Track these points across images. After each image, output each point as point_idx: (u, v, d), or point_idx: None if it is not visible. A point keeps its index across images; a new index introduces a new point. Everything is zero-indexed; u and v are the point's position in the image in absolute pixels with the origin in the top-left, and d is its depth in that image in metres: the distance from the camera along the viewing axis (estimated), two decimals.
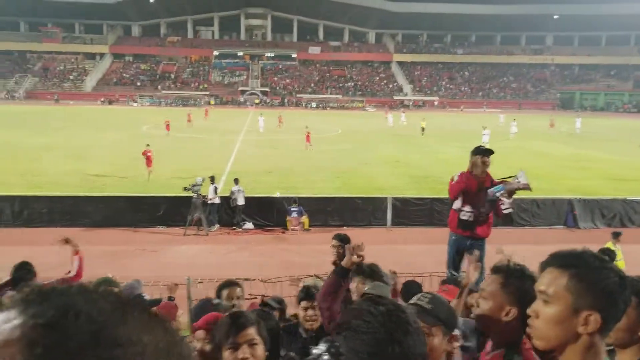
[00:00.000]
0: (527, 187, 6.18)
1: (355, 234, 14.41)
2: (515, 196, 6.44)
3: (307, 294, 3.96)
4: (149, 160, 21.05)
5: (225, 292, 4.33)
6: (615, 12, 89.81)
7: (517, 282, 2.25)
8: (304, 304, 3.93)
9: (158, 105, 76.26)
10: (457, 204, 6.65)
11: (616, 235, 10.05)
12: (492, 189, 6.35)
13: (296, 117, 55.99)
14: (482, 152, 6.51)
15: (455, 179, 6.64)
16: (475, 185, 6.52)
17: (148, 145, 21.85)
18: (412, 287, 5.10)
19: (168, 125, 37.45)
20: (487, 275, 3.70)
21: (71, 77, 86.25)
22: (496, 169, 6.82)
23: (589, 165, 26.99)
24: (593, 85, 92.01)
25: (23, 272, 5.12)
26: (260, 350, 2.51)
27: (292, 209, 15.37)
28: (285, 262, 12.23)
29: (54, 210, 15.09)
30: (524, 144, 34.50)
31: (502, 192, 6.29)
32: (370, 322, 1.46)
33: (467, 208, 6.56)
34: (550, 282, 1.60)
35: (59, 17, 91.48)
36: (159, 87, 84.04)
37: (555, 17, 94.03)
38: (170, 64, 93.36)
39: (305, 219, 15.37)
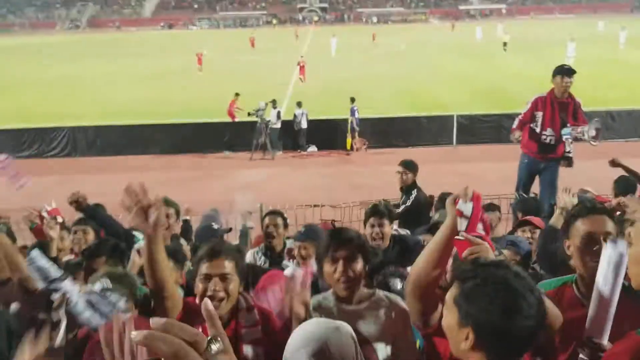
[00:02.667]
0: (591, 141, 5.86)
1: (421, 155, 14.30)
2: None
3: (374, 210, 3.93)
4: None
5: (266, 220, 4.42)
6: None
7: None
8: (372, 220, 3.90)
9: (217, 27, 75.92)
10: (537, 127, 6.38)
11: None
12: (562, 130, 6.10)
13: (358, 33, 54.45)
14: (563, 72, 6.15)
15: (526, 107, 6.41)
16: (555, 108, 6.23)
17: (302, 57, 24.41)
18: (490, 207, 5.01)
19: (200, 59, 31.25)
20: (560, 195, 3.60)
21: (131, 3, 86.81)
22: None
23: None
24: None
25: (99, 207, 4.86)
26: (234, 285, 2.34)
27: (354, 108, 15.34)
28: (351, 185, 12.30)
29: (125, 138, 15.68)
30: (594, 51, 32.16)
31: (568, 136, 6.01)
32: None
33: (549, 131, 6.29)
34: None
35: None
36: (217, 8, 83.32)
37: None
38: None
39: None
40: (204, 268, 2.35)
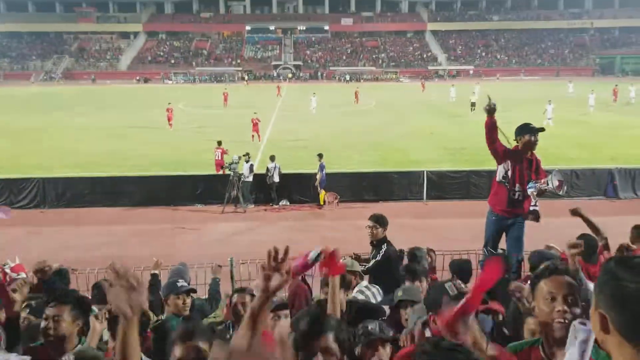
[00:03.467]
0: (556, 191, 6.10)
1: (392, 209, 14.44)
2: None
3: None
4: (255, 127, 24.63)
5: (235, 297, 4.09)
6: None
7: None
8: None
9: (192, 82, 76.89)
10: (507, 184, 6.54)
11: None
12: (529, 184, 6.31)
13: (329, 90, 55.75)
14: (533, 131, 6.40)
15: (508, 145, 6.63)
16: (523, 162, 6.46)
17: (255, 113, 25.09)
18: (463, 265, 5.07)
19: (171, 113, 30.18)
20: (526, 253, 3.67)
21: (107, 57, 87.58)
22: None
23: (630, 133, 26.12)
24: (635, 49, 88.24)
25: (57, 278, 4.75)
26: None
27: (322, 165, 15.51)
28: (323, 239, 12.32)
29: (95, 190, 15.52)
30: (561, 113, 33.50)
31: (533, 190, 6.24)
32: None
33: (517, 187, 6.48)
34: None
35: None
36: (193, 64, 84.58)
37: None
38: (203, 40, 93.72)
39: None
40: (177, 351, 2.33)
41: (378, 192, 15.89)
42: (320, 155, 15.61)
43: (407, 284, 4.04)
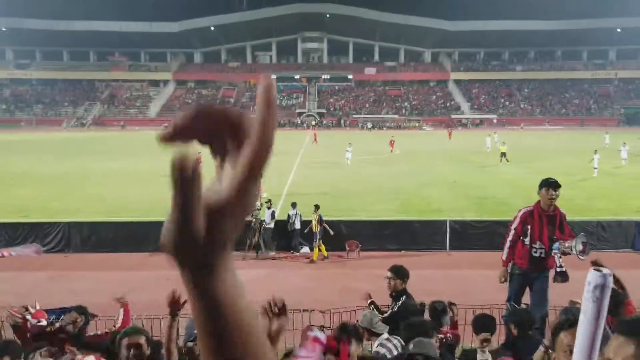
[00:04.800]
0: (579, 256, 6.03)
1: (414, 259, 14.29)
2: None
3: (341, 330, 3.77)
4: None
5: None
6: None
7: None
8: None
9: None
10: (527, 240, 6.52)
11: None
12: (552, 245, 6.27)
13: (353, 138, 56.25)
14: (548, 185, 6.39)
15: (514, 223, 6.62)
16: (543, 220, 6.40)
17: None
18: (486, 322, 4.97)
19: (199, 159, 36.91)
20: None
21: (137, 104, 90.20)
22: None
23: None
24: None
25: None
26: None
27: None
28: (343, 288, 12.22)
29: (119, 235, 15.70)
30: (582, 162, 33.13)
31: (556, 251, 6.18)
32: None
33: (538, 244, 6.42)
34: (617, 351, 1.52)
35: (125, 47, 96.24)
36: None
37: (618, 30, 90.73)
38: (230, 88, 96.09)
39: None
40: None
41: (400, 241, 15.77)
42: (316, 207, 15.30)
43: (421, 337, 3.97)
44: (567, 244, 6.06)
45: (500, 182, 26.27)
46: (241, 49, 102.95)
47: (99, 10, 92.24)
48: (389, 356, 4.03)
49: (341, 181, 27.05)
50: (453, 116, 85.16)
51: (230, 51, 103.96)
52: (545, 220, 6.40)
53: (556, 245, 6.16)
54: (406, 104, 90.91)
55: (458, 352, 4.98)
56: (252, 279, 13.31)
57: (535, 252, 6.44)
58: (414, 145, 47.77)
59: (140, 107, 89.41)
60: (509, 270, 6.77)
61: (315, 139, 49.58)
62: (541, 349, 3.28)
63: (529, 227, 6.46)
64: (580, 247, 5.89)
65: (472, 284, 11.34)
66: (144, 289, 12.11)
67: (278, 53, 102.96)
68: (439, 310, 5.03)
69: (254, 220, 14.85)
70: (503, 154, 34.21)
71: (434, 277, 12.84)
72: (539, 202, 6.53)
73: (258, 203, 15.13)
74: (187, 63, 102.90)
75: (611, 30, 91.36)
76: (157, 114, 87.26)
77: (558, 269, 6.34)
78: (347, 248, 15.34)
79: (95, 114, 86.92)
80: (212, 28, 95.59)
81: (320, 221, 15.02)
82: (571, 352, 2.19)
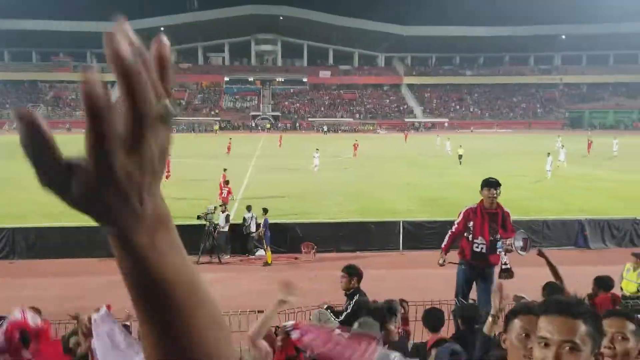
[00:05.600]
0: (519, 252, 6.28)
1: (368, 259, 14.44)
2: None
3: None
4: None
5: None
6: (621, 31, 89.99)
7: None
8: None
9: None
10: (470, 236, 6.77)
11: (638, 257, 9.93)
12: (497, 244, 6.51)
13: (306, 141, 56.41)
14: (489, 185, 6.63)
15: (458, 219, 6.86)
16: (485, 218, 6.64)
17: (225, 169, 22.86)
18: (435, 316, 5.08)
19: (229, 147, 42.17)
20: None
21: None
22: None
23: (599, 185, 26.80)
24: (602, 104, 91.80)
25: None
26: None
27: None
28: (300, 290, 12.21)
29: (67, 241, 15.21)
30: (529, 163, 34.29)
31: (500, 250, 6.43)
32: None
33: (479, 240, 6.66)
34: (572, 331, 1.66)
35: (70, 47, 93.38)
36: None
37: (563, 37, 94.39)
38: (181, 90, 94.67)
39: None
40: None
41: (355, 242, 15.92)
42: (265, 210, 15.29)
43: (367, 319, 4.04)
44: (508, 242, 6.30)
45: (452, 183, 26.85)
46: (192, 50, 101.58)
47: (42, 8, 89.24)
48: None
49: (298, 184, 27.06)
50: (406, 120, 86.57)
51: (181, 52, 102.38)
52: (487, 217, 6.66)
53: (499, 244, 6.40)
54: (361, 107, 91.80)
55: (409, 347, 5.07)
56: (208, 284, 13.16)
57: (477, 247, 6.70)
58: (370, 149, 48.25)
59: None
60: (457, 262, 6.99)
61: (280, 143, 49.69)
62: (489, 319, 3.38)
63: (471, 223, 6.72)
64: (520, 243, 6.13)
65: (425, 282, 11.53)
66: (92, 296, 11.79)
67: (231, 55, 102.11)
68: (391, 307, 5.12)
69: (207, 224, 14.67)
70: (460, 156, 35.84)
71: (388, 276, 13.01)
72: (482, 201, 6.78)
73: (212, 206, 14.97)
74: None
75: (556, 36, 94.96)
76: None
77: (503, 267, 6.58)
78: (303, 250, 15.35)
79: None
80: (162, 28, 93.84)
81: (265, 224, 14.96)
82: (527, 336, 2.28)
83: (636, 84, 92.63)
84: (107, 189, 0.55)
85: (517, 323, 2.36)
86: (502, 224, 6.69)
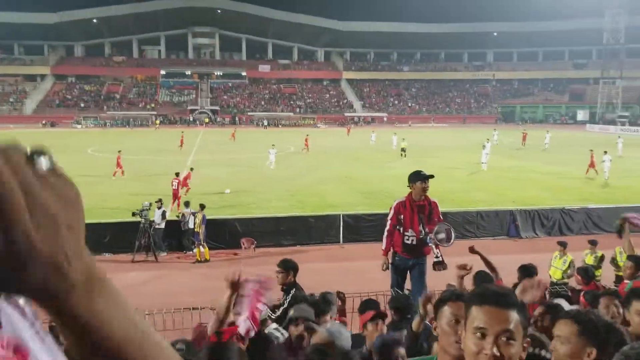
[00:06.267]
0: (444, 244, 6.39)
1: (308, 253, 14.39)
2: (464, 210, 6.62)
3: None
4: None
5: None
6: (550, 29, 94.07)
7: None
8: None
9: (103, 126, 74.45)
10: (401, 229, 6.82)
11: (563, 245, 10.36)
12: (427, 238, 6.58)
13: (248, 135, 55.89)
14: (423, 178, 6.67)
15: (390, 214, 6.89)
16: (414, 210, 6.70)
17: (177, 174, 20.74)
18: (370, 306, 5.06)
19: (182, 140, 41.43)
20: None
21: (10, 100, 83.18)
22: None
23: (530, 177, 27.92)
24: (532, 99, 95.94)
25: None
26: None
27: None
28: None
29: None
30: (465, 156, 35.34)
31: (430, 243, 6.51)
32: None
33: (410, 232, 6.73)
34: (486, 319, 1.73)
35: None
36: (105, 107, 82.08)
37: (495, 34, 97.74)
38: (115, 84, 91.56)
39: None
40: None
41: (295, 237, 15.85)
42: (202, 206, 14.82)
43: (302, 305, 3.99)
44: (433, 236, 6.39)
45: (390, 176, 27.23)
46: (127, 42, 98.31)
47: None
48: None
49: (238, 179, 26.69)
50: (346, 114, 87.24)
51: (115, 45, 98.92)
52: (416, 209, 6.73)
53: (428, 238, 6.49)
54: (301, 102, 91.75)
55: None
56: (143, 282, 12.74)
57: (408, 240, 6.78)
58: (312, 142, 48.23)
59: (15, 104, 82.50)
60: (389, 259, 7.05)
61: (233, 135, 50.20)
62: (417, 318, 3.41)
63: (402, 216, 6.77)
64: (442, 235, 6.23)
65: (364, 274, 11.58)
66: None
67: (167, 48, 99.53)
68: (328, 299, 5.08)
69: (142, 220, 14.19)
70: (403, 150, 36.67)
71: (328, 269, 13.04)
72: (410, 193, 6.83)
73: (147, 203, 14.49)
74: (66, 56, 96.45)
75: (488, 34, 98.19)
76: (34, 110, 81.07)
77: (435, 259, 6.69)
78: (243, 245, 15.09)
79: None
80: (95, 20, 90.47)
81: (203, 221, 14.62)
82: (457, 321, 2.28)
83: (563, 79, 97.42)
84: (28, 265, 0.51)
85: (446, 310, 2.36)
86: (429, 214, 6.77)
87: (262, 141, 47.45)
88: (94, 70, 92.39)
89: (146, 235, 14.24)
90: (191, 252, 15.03)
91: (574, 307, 5.17)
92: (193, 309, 6.34)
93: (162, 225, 14.85)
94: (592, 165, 27.71)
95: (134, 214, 14.28)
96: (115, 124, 76.47)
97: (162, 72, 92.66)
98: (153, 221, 14.61)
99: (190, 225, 14.98)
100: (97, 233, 14.96)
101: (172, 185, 19.69)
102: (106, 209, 19.28)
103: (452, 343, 2.24)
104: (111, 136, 57.21)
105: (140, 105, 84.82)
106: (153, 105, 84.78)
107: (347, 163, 33.69)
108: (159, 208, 14.93)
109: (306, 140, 41.32)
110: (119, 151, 27.57)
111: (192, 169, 22.97)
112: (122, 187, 24.06)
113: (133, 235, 14.24)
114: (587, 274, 8.29)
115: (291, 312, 3.72)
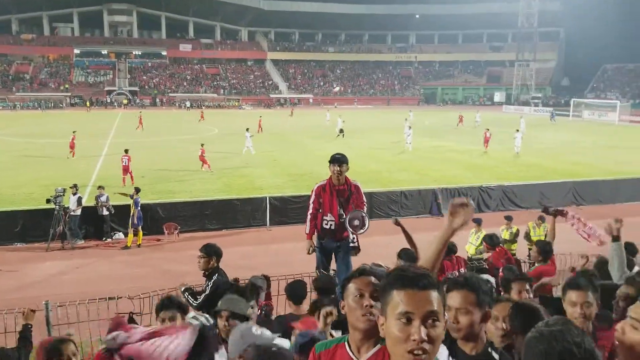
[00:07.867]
0: (354, 232, 6.51)
1: (235, 237, 14.20)
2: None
3: (162, 305, 3.68)
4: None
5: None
6: (469, 12, 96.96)
7: None
8: (162, 314, 3.61)
9: (12, 109, 69.81)
10: (321, 212, 6.81)
11: (478, 222, 10.77)
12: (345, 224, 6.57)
13: (181, 118, 54.24)
14: (334, 161, 6.64)
15: (311, 198, 6.87)
16: (333, 194, 6.68)
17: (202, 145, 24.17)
18: (297, 288, 5.01)
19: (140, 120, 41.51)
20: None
21: None
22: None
23: (452, 156, 28.90)
24: (452, 81, 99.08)
25: None
26: None
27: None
28: (162, 272, 11.70)
29: None
30: (390, 137, 36.05)
31: (350, 230, 6.57)
32: None
33: (329, 217, 6.72)
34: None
35: None
36: (13, 89, 76.93)
37: (417, 16, 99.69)
38: (24, 63, 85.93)
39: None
40: None
41: (221, 220, 15.57)
42: (137, 190, 14.31)
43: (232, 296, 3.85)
44: (347, 222, 6.45)
45: (316, 158, 27.27)
46: (37, 19, 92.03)
47: None
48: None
49: (160, 163, 25.85)
50: (272, 95, 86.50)
51: (24, 21, 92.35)
52: (335, 194, 6.71)
53: (346, 225, 6.54)
54: (225, 82, 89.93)
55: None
56: (59, 272, 12.12)
57: (327, 225, 6.79)
58: (232, 125, 47.48)
59: None
60: (314, 242, 7.03)
61: (141, 124, 41.82)
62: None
63: (322, 200, 6.75)
64: (356, 222, 6.28)
65: (291, 256, 11.56)
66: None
67: (81, 25, 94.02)
68: (254, 284, 4.98)
69: (57, 207, 13.43)
70: (341, 130, 37.47)
71: (255, 252, 12.93)
72: (331, 177, 6.80)
73: (61, 188, 13.72)
74: None
75: (411, 16, 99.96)
76: None
77: (351, 244, 6.79)
78: (166, 231, 14.69)
79: None
80: None
81: (136, 205, 14.03)
82: (361, 296, 2.27)
83: (481, 62, 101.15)
84: None
85: (351, 286, 2.35)
86: (349, 198, 6.76)
87: (197, 123, 46.19)
88: (1, 49, 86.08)
89: (61, 223, 13.51)
90: (110, 239, 14.41)
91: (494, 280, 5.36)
92: (109, 298, 6.04)
93: (78, 212, 14.10)
94: (486, 141, 31.41)
95: (48, 201, 13.50)
96: (26, 106, 71.90)
97: (76, 50, 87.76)
98: (68, 208, 13.86)
99: (106, 211, 14.36)
100: (8, 221, 14.05)
101: (122, 162, 20.64)
102: (20, 195, 18.16)
103: (359, 317, 2.23)
104: (25, 119, 53.80)
105: (52, 86, 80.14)
106: (67, 86, 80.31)
107: (269, 145, 33.36)
108: (74, 194, 14.16)
109: (259, 121, 41.01)
110: (74, 132, 27.60)
111: (202, 145, 24.21)
112: (37, 172, 22.71)
113: (48, 223, 13.48)
114: (491, 240, 8.72)
115: (220, 304, 3.56)
